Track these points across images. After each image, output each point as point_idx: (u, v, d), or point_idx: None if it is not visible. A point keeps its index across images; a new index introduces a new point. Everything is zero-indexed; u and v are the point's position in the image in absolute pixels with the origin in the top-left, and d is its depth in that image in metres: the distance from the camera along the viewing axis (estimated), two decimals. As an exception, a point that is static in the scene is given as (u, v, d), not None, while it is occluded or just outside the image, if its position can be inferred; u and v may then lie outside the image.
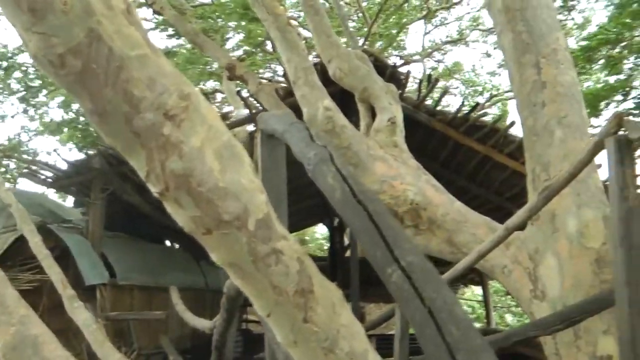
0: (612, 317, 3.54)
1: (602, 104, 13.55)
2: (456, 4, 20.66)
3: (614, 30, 11.80)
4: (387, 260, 1.32)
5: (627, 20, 11.64)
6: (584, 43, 12.82)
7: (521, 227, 4.13)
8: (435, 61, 22.99)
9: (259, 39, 17.26)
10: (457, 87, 22.95)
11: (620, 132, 2.92)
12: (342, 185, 1.51)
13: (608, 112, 14.30)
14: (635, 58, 13.29)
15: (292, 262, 1.43)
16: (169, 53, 17.67)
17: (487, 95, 21.99)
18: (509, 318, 23.49)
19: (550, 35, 4.80)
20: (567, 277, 4.32)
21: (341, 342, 1.46)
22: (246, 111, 10.28)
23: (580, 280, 4.25)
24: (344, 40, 13.92)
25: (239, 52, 18.68)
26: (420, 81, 10.59)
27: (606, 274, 4.11)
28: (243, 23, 16.78)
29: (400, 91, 8.86)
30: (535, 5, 4.86)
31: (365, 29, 18.56)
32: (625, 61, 13.22)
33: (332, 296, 1.50)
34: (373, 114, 6.48)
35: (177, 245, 13.86)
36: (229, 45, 18.72)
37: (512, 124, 10.03)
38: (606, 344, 4.01)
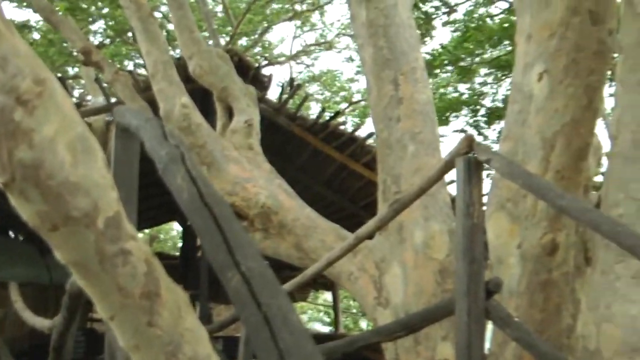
0: (450, 324, 3.71)
1: (452, 116, 14.27)
2: (321, 7, 20.90)
3: (455, 52, 12.46)
4: (228, 264, 1.32)
5: (470, 46, 12.32)
6: (427, 57, 13.43)
7: (370, 236, 4.25)
8: (305, 65, 23.21)
9: (125, 27, 16.64)
10: (322, 94, 23.26)
11: (470, 154, 3.09)
12: (191, 186, 1.49)
13: (457, 123, 15.12)
14: (485, 75, 14.08)
15: (139, 264, 1.39)
16: (25, 27, 16.66)
17: (347, 103, 22.41)
18: (363, 323, 24.03)
19: (411, 54, 4.98)
20: (411, 286, 4.50)
21: (185, 347, 1.44)
22: (104, 99, 9.89)
23: (423, 288, 4.44)
24: (206, 33, 13.73)
25: (103, 38, 17.96)
26: (283, 85, 10.65)
27: (448, 284, 4.32)
28: (106, 10, 16.14)
29: (262, 93, 8.88)
30: (398, 23, 5.02)
31: (229, 27, 18.37)
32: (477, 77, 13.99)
33: (179, 299, 1.47)
34: (231, 115, 6.46)
35: (20, 237, 13.12)
36: (94, 28, 17.93)
37: (370, 134, 10.28)
38: (444, 349, 4.21)
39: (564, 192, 2.76)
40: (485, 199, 3.49)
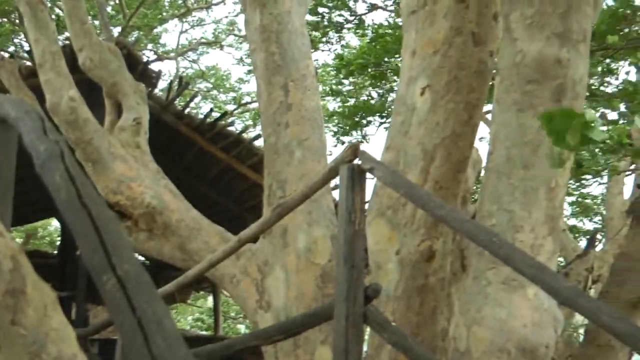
0: (329, 328, 3.79)
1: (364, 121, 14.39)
2: (215, 5, 20.66)
3: (372, 57, 12.62)
4: (104, 267, 1.30)
5: (380, 52, 12.53)
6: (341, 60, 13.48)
7: (254, 239, 4.28)
8: (190, 61, 22.82)
9: (9, 8, 15.79)
10: (209, 91, 22.95)
11: (355, 162, 3.17)
12: (69, 185, 1.46)
13: (370, 128, 15.26)
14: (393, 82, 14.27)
15: (5, 261, 1.35)
16: None
17: (235, 103, 22.24)
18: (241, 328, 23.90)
19: (302, 61, 5.04)
20: (292, 290, 4.55)
21: (49, 346, 1.40)
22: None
23: (304, 293, 4.51)
24: (96, 22, 13.31)
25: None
26: (171, 82, 10.48)
27: (329, 288, 4.40)
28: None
29: (150, 89, 8.72)
30: (291, 30, 5.07)
31: (120, 16, 17.83)
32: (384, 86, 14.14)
33: (46, 298, 1.44)
34: (119, 111, 6.32)
35: None
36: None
37: (257, 137, 10.29)
38: (323, 352, 4.29)
39: (443, 202, 2.88)
40: (367, 206, 3.60)
